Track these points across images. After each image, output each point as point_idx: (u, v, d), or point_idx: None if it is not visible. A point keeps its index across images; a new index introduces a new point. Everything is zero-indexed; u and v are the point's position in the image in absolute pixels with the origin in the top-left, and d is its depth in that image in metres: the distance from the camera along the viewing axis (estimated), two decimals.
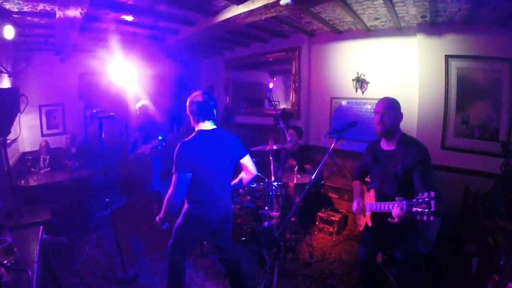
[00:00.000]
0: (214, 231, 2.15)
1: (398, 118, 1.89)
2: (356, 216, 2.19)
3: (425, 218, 1.44)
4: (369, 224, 1.97)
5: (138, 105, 4.21)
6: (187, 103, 2.01)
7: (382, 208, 1.78)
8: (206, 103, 1.97)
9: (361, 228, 2.11)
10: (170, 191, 1.89)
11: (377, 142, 2.03)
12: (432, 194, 1.43)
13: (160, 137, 4.08)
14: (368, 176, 2.22)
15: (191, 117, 2.02)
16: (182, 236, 2.06)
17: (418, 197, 1.49)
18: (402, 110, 1.93)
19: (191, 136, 1.95)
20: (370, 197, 2.03)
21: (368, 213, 1.98)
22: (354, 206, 2.07)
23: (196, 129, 2.01)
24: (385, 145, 1.95)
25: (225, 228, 2.17)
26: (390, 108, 1.86)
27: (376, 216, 1.91)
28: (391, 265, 2.64)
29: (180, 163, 1.83)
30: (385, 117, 1.86)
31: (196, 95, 1.99)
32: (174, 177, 1.86)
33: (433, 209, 1.42)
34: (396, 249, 2.02)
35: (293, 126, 4.02)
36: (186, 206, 2.02)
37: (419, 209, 1.46)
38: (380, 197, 1.90)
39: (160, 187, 4.30)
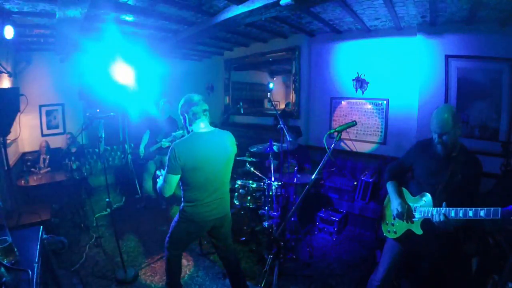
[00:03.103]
0: (210, 231, 2.16)
1: (457, 133, 1.66)
2: (385, 221, 1.96)
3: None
4: (418, 232, 1.74)
5: (164, 100, 4.29)
6: (181, 105, 2.02)
7: (462, 214, 1.49)
8: (199, 104, 1.97)
9: (396, 236, 1.87)
10: (160, 185, 1.98)
11: (431, 144, 1.78)
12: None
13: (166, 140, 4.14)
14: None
15: (184, 118, 2.02)
16: (177, 234, 2.10)
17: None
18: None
19: (185, 138, 1.97)
20: (424, 202, 1.75)
21: (416, 219, 1.74)
22: (399, 209, 1.78)
23: (191, 130, 2.01)
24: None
25: (222, 230, 2.18)
26: (448, 127, 1.64)
27: (426, 225, 1.71)
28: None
29: (171, 164, 1.85)
30: (445, 139, 1.66)
31: (190, 97, 2.01)
32: (165, 175, 1.91)
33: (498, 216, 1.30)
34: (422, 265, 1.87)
35: (291, 126, 4.02)
36: (182, 204, 2.04)
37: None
38: (437, 205, 1.66)
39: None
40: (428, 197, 1.70)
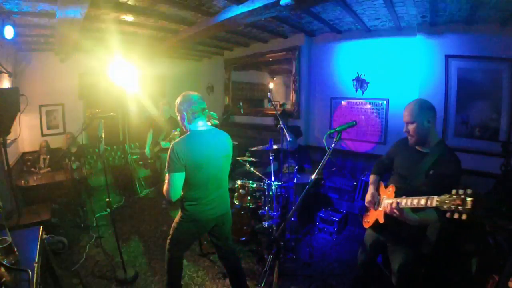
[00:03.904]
0: (212, 230, 2.16)
1: (425, 126, 1.68)
2: (365, 212, 2.06)
3: (456, 216, 1.27)
4: (381, 220, 1.83)
5: (163, 101, 4.33)
6: (178, 103, 1.98)
7: (407, 203, 1.57)
8: (198, 103, 1.95)
9: (369, 225, 1.99)
10: (165, 188, 1.91)
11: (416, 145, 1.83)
12: (470, 191, 1.26)
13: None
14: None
15: (182, 117, 1.97)
16: (179, 234, 2.09)
17: (451, 193, 1.31)
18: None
19: (184, 136, 1.94)
20: (388, 194, 1.84)
21: (381, 209, 1.83)
22: (367, 198, 1.94)
23: (189, 129, 1.99)
24: (421, 146, 1.80)
25: (223, 228, 2.18)
26: (413, 117, 1.69)
27: (387, 215, 1.75)
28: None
29: (173, 163, 1.83)
30: (410, 129, 1.72)
31: (189, 95, 1.98)
32: (168, 176, 1.87)
33: (469, 206, 1.24)
34: (398, 252, 1.88)
35: (291, 126, 4.02)
36: (182, 204, 2.03)
37: (452, 206, 1.29)
38: (404, 195, 1.69)
39: None
40: (393, 188, 1.79)
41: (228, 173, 2.14)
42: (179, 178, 1.86)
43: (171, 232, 2.11)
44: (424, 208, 1.50)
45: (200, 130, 1.98)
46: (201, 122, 1.99)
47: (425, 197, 1.44)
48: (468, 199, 1.24)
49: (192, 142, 1.91)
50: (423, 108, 1.70)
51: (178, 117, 2.02)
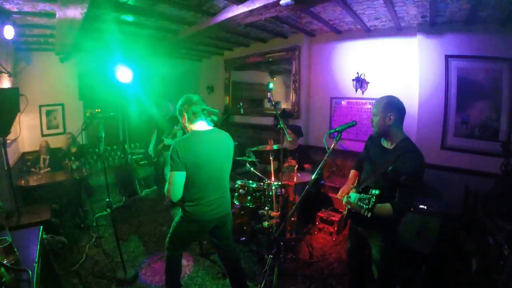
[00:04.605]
0: (212, 231, 2.16)
1: (386, 121, 1.77)
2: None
3: (362, 212, 1.56)
4: (346, 212, 2.04)
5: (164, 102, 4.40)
6: (180, 104, 2.00)
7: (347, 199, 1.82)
8: (198, 103, 1.97)
9: (345, 216, 2.13)
10: (167, 188, 1.89)
11: (379, 137, 1.96)
12: (377, 192, 1.52)
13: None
14: None
15: (184, 117, 1.98)
16: (179, 234, 2.09)
17: (367, 193, 1.57)
18: None
19: (185, 136, 1.96)
20: (354, 186, 2.03)
21: (344, 203, 1.93)
22: (339, 192, 2.06)
23: (191, 129, 2.00)
24: (384, 142, 1.91)
25: (224, 229, 2.18)
26: (376, 110, 1.83)
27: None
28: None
29: (174, 162, 1.84)
30: (372, 120, 1.86)
31: (189, 96, 2.00)
32: (170, 175, 1.87)
33: (369, 206, 1.53)
34: (370, 243, 1.96)
35: (291, 125, 4.02)
36: (183, 204, 2.02)
37: (362, 204, 1.57)
38: (361, 190, 1.84)
39: None
40: (355, 184, 2.00)
41: (229, 173, 2.14)
42: (180, 177, 1.86)
43: (170, 230, 2.12)
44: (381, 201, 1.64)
45: (201, 130, 1.98)
46: (202, 122, 1.99)
47: (361, 195, 1.65)
48: (371, 199, 1.52)
49: (193, 142, 1.91)
50: (388, 105, 1.79)
51: (180, 119, 2.03)
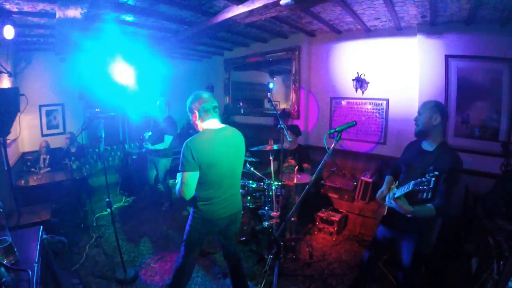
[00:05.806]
0: (222, 229, 2.12)
1: (431, 121, 1.88)
2: (380, 204, 2.25)
3: (424, 195, 1.60)
4: (383, 213, 2.04)
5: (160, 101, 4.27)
6: (190, 102, 1.96)
7: (399, 191, 1.82)
8: (209, 101, 1.94)
9: (378, 220, 2.16)
10: (179, 188, 1.86)
11: (419, 141, 2.04)
12: (436, 173, 1.56)
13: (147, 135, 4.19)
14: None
15: (195, 115, 1.95)
16: (194, 235, 2.03)
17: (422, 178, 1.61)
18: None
19: (197, 135, 1.91)
20: (392, 188, 2.06)
21: (386, 203, 1.99)
22: (377, 193, 2.16)
23: (202, 127, 1.97)
24: (425, 145, 1.97)
25: (233, 227, 2.16)
26: (423, 110, 1.91)
27: (392, 208, 1.94)
28: (393, 265, 2.64)
29: (186, 162, 1.79)
30: (418, 119, 1.94)
31: (199, 94, 1.97)
32: (183, 175, 1.82)
33: (431, 185, 1.55)
34: (402, 247, 1.99)
35: (290, 125, 4.02)
36: (195, 204, 1.98)
37: (421, 187, 1.60)
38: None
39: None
40: (396, 184, 2.04)
41: (241, 171, 2.12)
42: (193, 177, 1.83)
43: (185, 236, 2.04)
44: (422, 202, 1.71)
45: (213, 128, 1.95)
46: (214, 120, 1.97)
47: (418, 180, 1.66)
48: (432, 179, 1.55)
49: (206, 141, 1.87)
50: (436, 107, 1.89)
51: (191, 117, 1.99)
